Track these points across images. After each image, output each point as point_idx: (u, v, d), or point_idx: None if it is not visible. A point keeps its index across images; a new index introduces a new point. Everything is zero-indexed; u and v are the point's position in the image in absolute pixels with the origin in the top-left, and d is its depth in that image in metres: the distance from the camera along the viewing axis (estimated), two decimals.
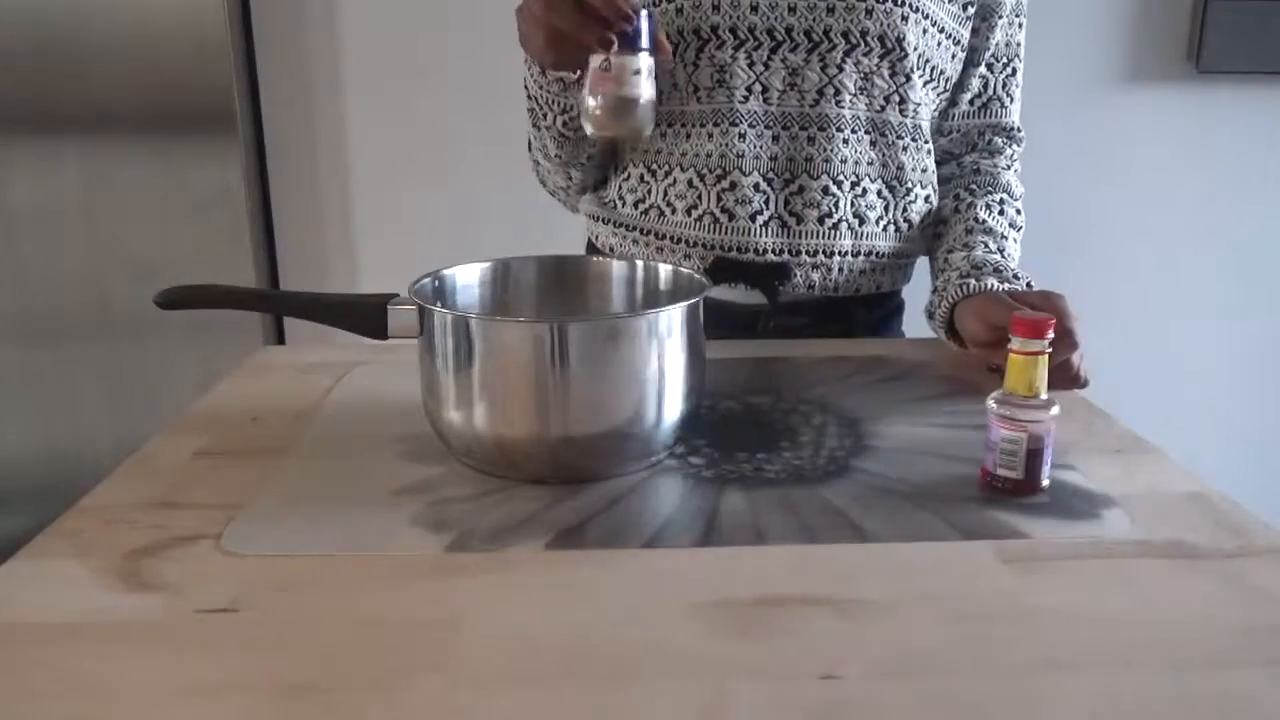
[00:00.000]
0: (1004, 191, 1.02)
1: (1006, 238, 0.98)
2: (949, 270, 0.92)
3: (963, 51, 1.00)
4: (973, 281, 0.87)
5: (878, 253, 1.01)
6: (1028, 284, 0.87)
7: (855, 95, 0.95)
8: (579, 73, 0.87)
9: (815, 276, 0.99)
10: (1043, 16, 1.04)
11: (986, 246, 0.95)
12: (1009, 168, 1.06)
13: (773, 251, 0.97)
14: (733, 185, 0.97)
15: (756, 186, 0.97)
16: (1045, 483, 0.65)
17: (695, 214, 0.99)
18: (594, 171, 1.06)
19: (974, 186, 1.02)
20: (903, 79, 0.96)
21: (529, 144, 1.08)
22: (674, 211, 1.00)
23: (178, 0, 1.60)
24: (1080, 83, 1.74)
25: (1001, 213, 1.00)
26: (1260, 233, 1.85)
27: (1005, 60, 1.03)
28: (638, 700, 0.44)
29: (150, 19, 1.60)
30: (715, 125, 0.97)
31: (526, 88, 0.98)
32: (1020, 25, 1.03)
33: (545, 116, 0.98)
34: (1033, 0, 1.04)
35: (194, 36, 1.61)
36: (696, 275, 0.74)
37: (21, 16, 1.59)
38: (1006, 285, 0.86)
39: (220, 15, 1.61)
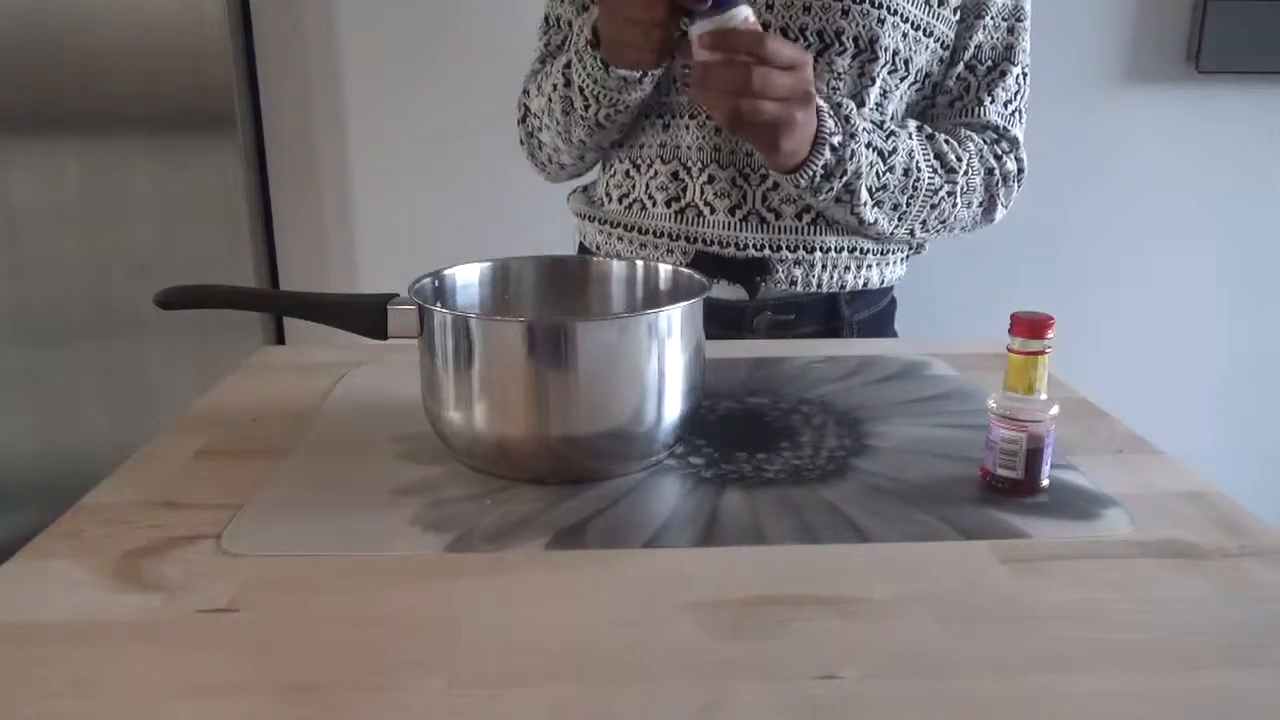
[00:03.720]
0: (948, 134, 0.99)
1: (912, 131, 0.95)
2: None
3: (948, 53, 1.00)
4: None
5: (860, 249, 1.01)
6: (845, 118, 0.89)
7: (826, 96, 0.94)
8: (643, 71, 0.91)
9: (797, 272, 0.99)
10: (1043, 16, 1.04)
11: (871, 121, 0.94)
12: (974, 143, 1.00)
13: (753, 246, 0.98)
14: (711, 179, 0.98)
15: (734, 181, 0.97)
16: (1045, 483, 0.65)
17: (675, 207, 0.99)
18: (603, 152, 1.06)
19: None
20: (868, 81, 0.95)
21: (523, 115, 1.07)
22: (655, 204, 1.01)
23: (178, 0, 1.60)
24: (1080, 83, 1.74)
25: (930, 137, 0.97)
26: (1260, 233, 1.85)
27: (990, 63, 1.00)
28: (638, 700, 0.44)
29: (150, 19, 1.60)
30: (691, 117, 0.98)
31: (569, 78, 0.96)
32: (1011, 29, 1.00)
33: (589, 108, 0.96)
34: (1033, 0, 1.03)
35: (194, 36, 1.61)
36: (697, 275, 0.74)
37: (21, 16, 1.59)
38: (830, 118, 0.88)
39: (220, 15, 1.61)
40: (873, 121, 0.93)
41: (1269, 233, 1.86)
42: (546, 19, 1.08)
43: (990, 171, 0.99)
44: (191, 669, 0.46)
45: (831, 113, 0.89)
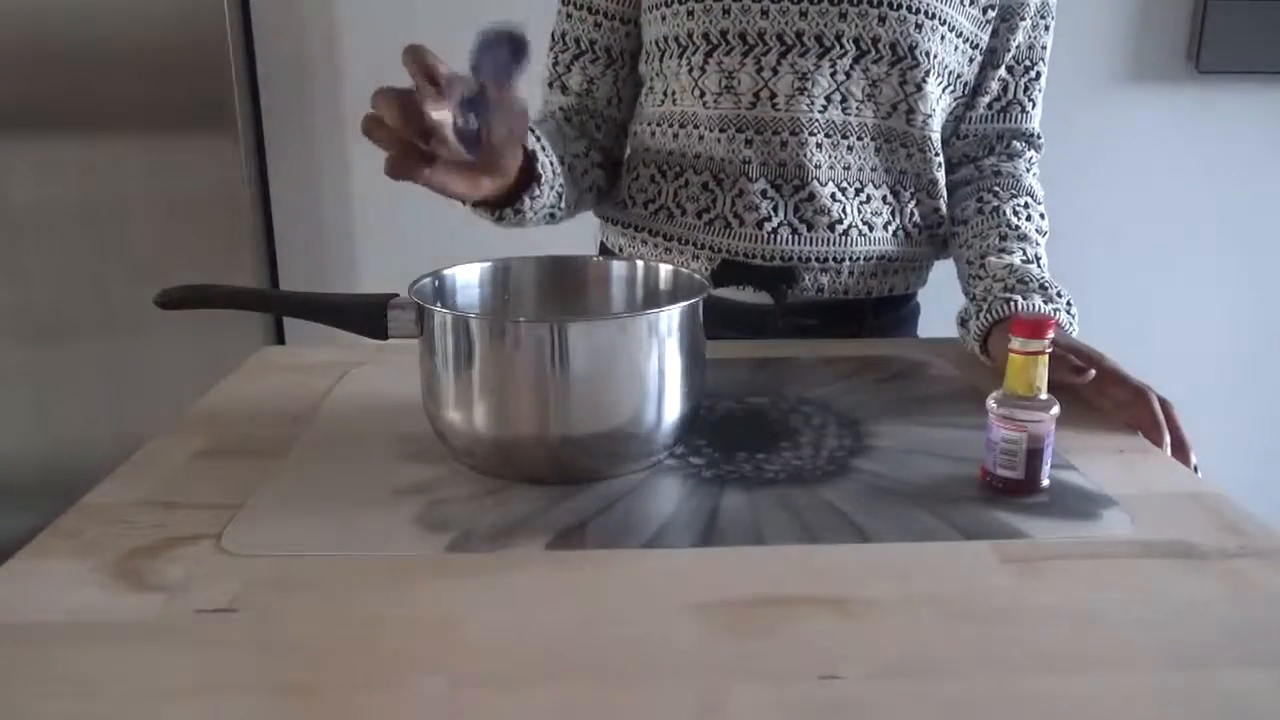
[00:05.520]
0: (1028, 195, 0.99)
1: (1039, 244, 0.96)
2: (987, 278, 0.89)
3: (980, 55, 0.98)
4: (1019, 300, 0.84)
5: (889, 257, 1.00)
6: (1068, 303, 0.85)
7: (862, 102, 0.94)
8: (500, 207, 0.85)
9: (824, 280, 0.98)
10: None
11: (1024, 254, 0.92)
12: (1029, 171, 1.03)
13: (781, 257, 0.97)
14: (741, 192, 0.96)
15: (764, 193, 0.96)
16: (1045, 483, 0.65)
17: (706, 218, 0.98)
18: (589, 197, 1.03)
19: (997, 189, 1.00)
20: (913, 88, 0.94)
21: None
22: (684, 213, 0.99)
23: (178, 0, 1.60)
24: (1080, 83, 1.74)
25: (1028, 218, 0.97)
26: (1260, 232, 1.86)
27: (1028, 63, 1.01)
28: (638, 700, 0.44)
29: (150, 19, 1.60)
30: (722, 131, 0.95)
31: None
32: (1046, 28, 1.01)
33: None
34: None
35: (194, 36, 1.61)
36: (697, 275, 0.74)
37: (21, 16, 1.59)
38: (1050, 306, 0.84)
39: (220, 15, 1.61)
40: (1038, 282, 0.87)
41: (1269, 232, 1.86)
42: (552, 35, 1.03)
43: (1042, 214, 1.00)
44: (191, 669, 0.46)
45: (1050, 299, 0.85)
